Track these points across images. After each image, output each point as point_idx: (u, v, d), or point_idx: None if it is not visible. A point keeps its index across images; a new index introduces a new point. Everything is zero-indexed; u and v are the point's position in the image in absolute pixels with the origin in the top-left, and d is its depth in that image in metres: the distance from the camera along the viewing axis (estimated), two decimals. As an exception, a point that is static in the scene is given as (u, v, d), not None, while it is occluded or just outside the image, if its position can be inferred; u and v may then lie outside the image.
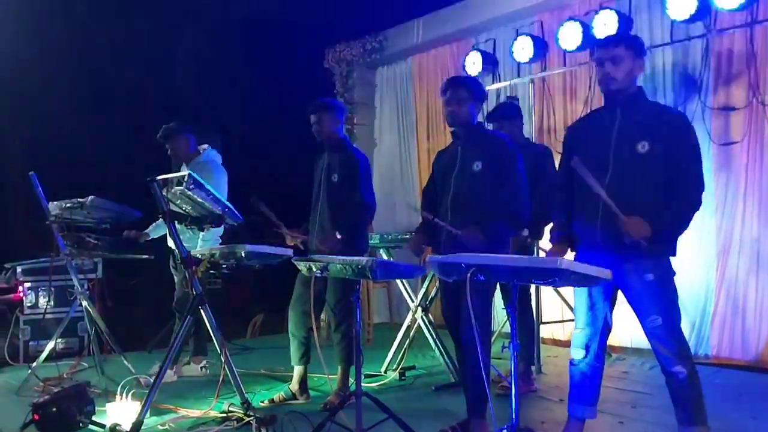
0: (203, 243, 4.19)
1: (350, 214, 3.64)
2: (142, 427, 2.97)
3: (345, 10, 7.08)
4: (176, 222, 3.24)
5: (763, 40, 4.45)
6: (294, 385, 3.80)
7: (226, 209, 3.30)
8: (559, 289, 4.81)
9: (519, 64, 5.55)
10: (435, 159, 3.37)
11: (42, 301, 5.23)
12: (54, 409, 3.16)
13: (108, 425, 3.11)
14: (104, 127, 6.96)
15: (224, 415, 3.35)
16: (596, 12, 4.81)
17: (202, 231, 3.55)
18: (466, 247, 2.83)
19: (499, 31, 5.98)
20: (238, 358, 4.92)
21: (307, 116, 3.80)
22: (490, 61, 5.74)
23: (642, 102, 2.71)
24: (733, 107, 4.57)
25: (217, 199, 3.24)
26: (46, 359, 4.23)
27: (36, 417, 3.14)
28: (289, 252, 3.35)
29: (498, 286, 3.56)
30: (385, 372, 4.48)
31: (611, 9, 4.74)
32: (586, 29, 4.83)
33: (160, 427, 3.32)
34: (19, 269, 5.29)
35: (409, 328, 4.55)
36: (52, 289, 5.14)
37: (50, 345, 4.27)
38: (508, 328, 2.43)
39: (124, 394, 3.25)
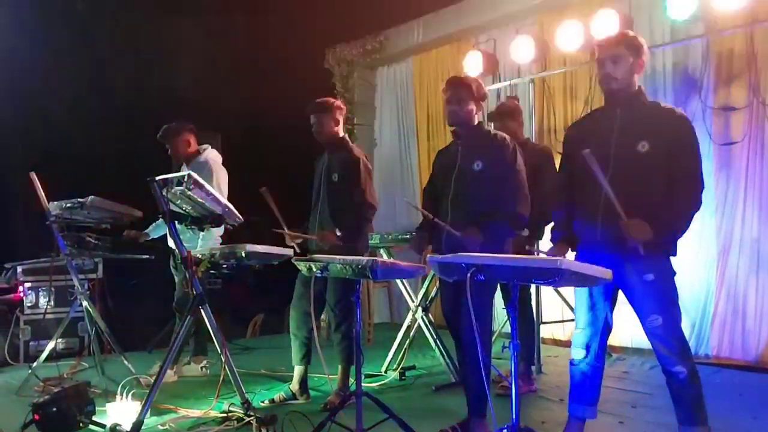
0: (203, 243, 4.19)
1: (351, 214, 3.64)
2: (143, 427, 2.97)
3: (345, 10, 7.08)
4: (176, 222, 3.24)
5: (764, 40, 4.45)
6: (294, 385, 3.80)
7: (226, 209, 3.30)
8: (559, 288, 4.81)
9: (519, 64, 5.55)
10: (435, 158, 3.38)
11: (42, 301, 5.23)
12: (54, 409, 3.16)
13: (108, 425, 3.11)
14: (104, 127, 6.96)
15: (224, 415, 3.36)
16: (596, 12, 4.81)
17: (202, 231, 3.55)
18: (466, 248, 2.83)
19: (500, 31, 5.98)
20: (238, 357, 4.92)
21: (306, 116, 3.80)
22: (490, 62, 5.74)
23: (642, 102, 2.71)
24: (733, 107, 4.57)
25: (217, 199, 3.24)
26: (47, 359, 4.23)
27: (36, 417, 3.14)
28: (289, 252, 3.35)
29: (498, 286, 3.55)
30: (386, 372, 4.48)
31: (611, 9, 4.73)
32: (586, 29, 4.83)
33: (161, 427, 3.32)
34: (19, 269, 5.29)
35: (409, 328, 4.55)
36: (53, 289, 5.14)
37: (50, 345, 4.27)
38: (508, 328, 2.43)
39: (124, 394, 3.25)
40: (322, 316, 4.95)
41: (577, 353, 2.77)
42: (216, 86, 7.47)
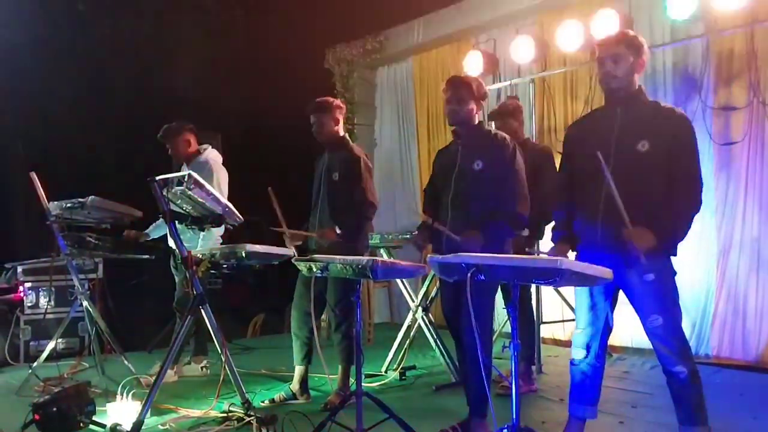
0: (204, 243, 4.19)
1: (352, 213, 3.64)
2: (143, 427, 2.97)
3: (345, 10, 7.08)
4: (177, 222, 3.24)
5: (764, 40, 4.44)
6: (295, 385, 3.80)
7: (227, 209, 3.30)
8: (559, 288, 4.81)
9: (519, 63, 5.55)
10: (435, 158, 3.38)
11: (42, 301, 5.23)
12: (54, 409, 3.16)
13: (108, 425, 3.11)
14: (104, 127, 6.96)
15: (225, 414, 3.36)
16: (596, 12, 4.81)
17: (203, 231, 3.55)
18: (467, 250, 2.82)
19: (500, 31, 5.97)
20: (238, 357, 4.92)
21: (306, 116, 3.80)
22: (490, 61, 5.74)
23: (642, 101, 2.71)
24: (733, 107, 4.57)
25: (217, 199, 3.24)
26: (47, 359, 4.23)
27: (36, 417, 3.14)
28: (290, 252, 3.35)
29: (498, 285, 3.55)
30: (386, 372, 4.48)
31: (611, 9, 4.73)
32: (586, 29, 4.83)
33: (161, 427, 3.32)
34: (19, 269, 5.29)
35: (409, 327, 4.55)
36: (53, 289, 5.14)
37: (51, 345, 4.27)
38: (508, 328, 2.43)
39: (124, 394, 3.25)
40: (323, 316, 4.95)
41: (578, 353, 2.77)
42: (216, 86, 7.47)
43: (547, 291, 4.74)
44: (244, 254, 3.22)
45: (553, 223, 2.97)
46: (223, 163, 4.51)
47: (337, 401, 3.40)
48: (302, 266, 2.95)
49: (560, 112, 5.60)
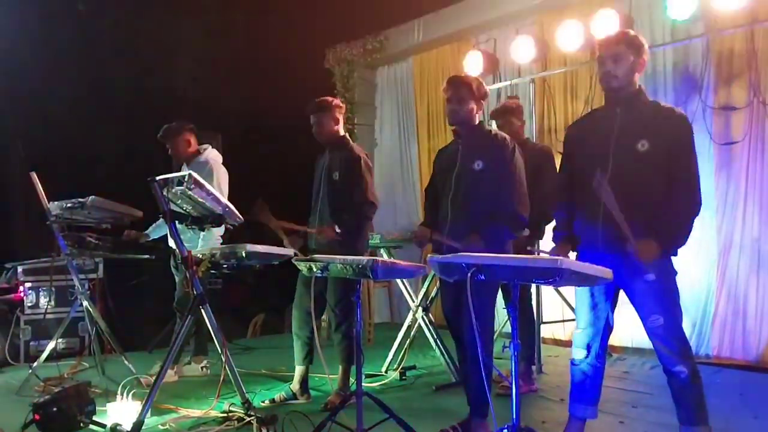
0: (204, 243, 4.19)
1: (352, 212, 3.64)
2: (143, 427, 2.97)
3: (345, 10, 7.08)
4: (177, 222, 3.24)
5: (764, 40, 4.45)
6: (295, 385, 3.80)
7: (227, 209, 3.30)
8: (559, 288, 4.81)
9: (519, 63, 5.55)
10: (435, 158, 3.38)
11: (43, 301, 5.23)
12: (55, 409, 3.16)
13: (109, 425, 3.11)
14: (105, 126, 6.96)
15: (225, 414, 3.35)
16: (596, 12, 4.81)
17: (203, 231, 3.55)
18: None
19: (500, 31, 5.98)
20: (238, 357, 4.92)
21: (306, 116, 3.80)
22: (490, 61, 5.74)
23: (642, 101, 2.71)
24: (733, 107, 4.57)
25: (217, 199, 3.24)
26: (47, 359, 4.23)
27: (37, 417, 3.14)
28: (290, 252, 3.35)
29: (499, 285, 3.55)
30: (386, 372, 4.48)
31: (611, 9, 4.73)
32: (587, 29, 4.83)
33: (161, 427, 3.32)
34: (19, 269, 5.29)
35: (409, 327, 4.55)
36: (53, 289, 5.14)
37: (51, 345, 4.27)
38: (508, 328, 2.43)
39: (124, 394, 3.25)
40: (323, 316, 4.95)
41: (578, 353, 2.77)
42: (216, 86, 7.47)
43: (547, 291, 4.74)
44: (244, 254, 3.21)
45: (553, 223, 2.97)
46: (223, 163, 4.51)
47: (338, 401, 3.40)
48: (302, 266, 2.95)
49: (560, 112, 5.60)
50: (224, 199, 3.37)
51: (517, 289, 2.31)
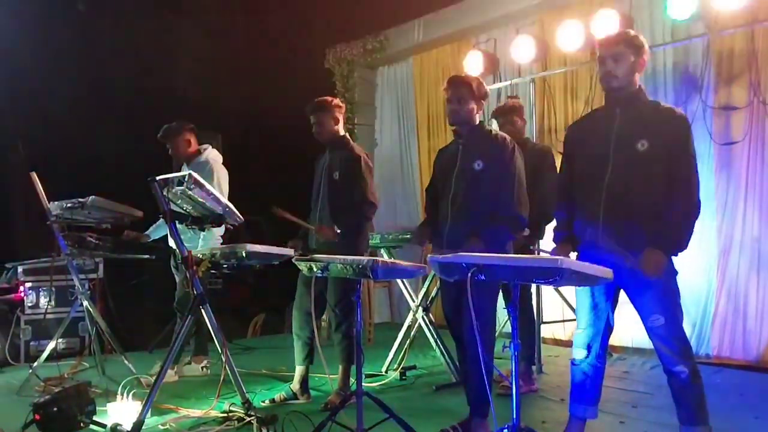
0: (204, 243, 4.19)
1: (351, 212, 3.64)
2: (143, 427, 2.97)
3: (345, 10, 7.08)
4: (177, 222, 3.24)
5: (764, 40, 4.45)
6: (295, 385, 3.80)
7: (227, 209, 3.30)
8: (559, 288, 4.81)
9: (520, 63, 5.55)
10: (436, 158, 3.38)
11: (43, 301, 5.23)
12: (55, 409, 3.16)
13: (109, 425, 3.11)
14: (105, 126, 6.96)
15: (225, 414, 3.35)
16: (596, 12, 4.81)
17: (203, 231, 3.55)
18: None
19: (500, 31, 5.98)
20: (239, 357, 4.92)
21: (307, 116, 3.80)
22: (490, 61, 5.74)
23: (642, 101, 2.70)
24: (734, 107, 4.57)
25: (217, 199, 3.24)
26: (47, 359, 4.23)
27: (37, 417, 3.14)
28: (290, 252, 3.35)
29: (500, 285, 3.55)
30: (386, 372, 4.48)
31: (611, 9, 4.73)
32: (587, 29, 4.82)
33: (161, 427, 3.32)
34: (20, 269, 5.29)
35: (409, 327, 4.55)
36: (53, 289, 5.14)
37: (51, 345, 4.27)
38: (508, 328, 2.43)
39: (125, 394, 3.25)
40: (323, 316, 4.95)
41: (579, 353, 2.77)
42: (216, 86, 7.48)
43: (547, 291, 4.74)
44: (244, 254, 3.21)
45: (554, 223, 2.97)
46: (223, 163, 4.51)
47: (338, 401, 3.40)
48: (303, 266, 2.95)
49: (560, 111, 5.60)
50: (224, 199, 3.37)
51: (517, 289, 2.31)
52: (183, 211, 3.31)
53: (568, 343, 4.92)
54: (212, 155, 4.49)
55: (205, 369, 4.51)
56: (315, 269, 2.85)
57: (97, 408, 3.35)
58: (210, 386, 3.96)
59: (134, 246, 4.42)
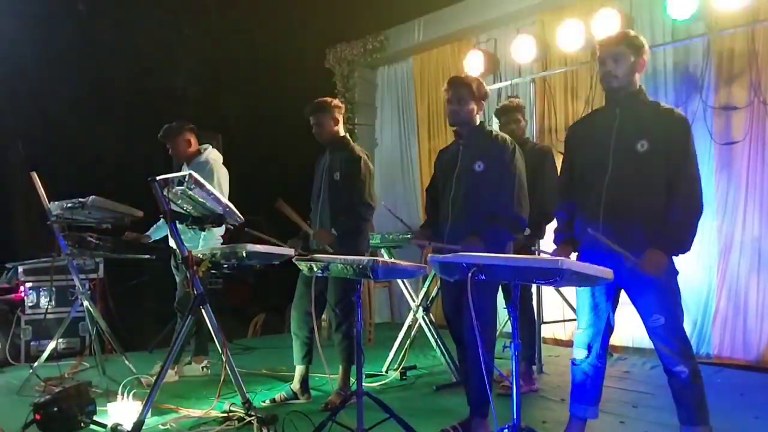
0: (204, 243, 4.19)
1: (349, 213, 3.64)
2: (144, 427, 2.97)
3: (346, 9, 7.08)
4: (177, 222, 3.24)
5: (765, 40, 4.45)
6: (295, 385, 3.80)
7: (227, 209, 3.30)
8: (560, 288, 4.81)
9: (520, 63, 5.55)
10: (436, 158, 3.38)
11: (43, 301, 5.23)
12: (55, 409, 3.16)
13: (109, 425, 3.11)
14: (105, 126, 6.97)
15: (225, 414, 3.35)
16: (597, 12, 4.81)
17: (203, 231, 3.55)
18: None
19: (500, 31, 5.97)
20: (239, 357, 4.92)
21: (307, 117, 3.80)
22: (491, 61, 5.74)
23: (642, 101, 2.70)
24: (734, 106, 4.57)
25: (218, 198, 3.24)
26: (48, 359, 4.23)
27: (37, 417, 3.14)
28: (290, 252, 3.35)
29: (499, 285, 3.55)
30: (387, 372, 4.48)
31: (612, 8, 4.73)
32: (587, 29, 4.82)
33: (162, 427, 3.32)
34: (20, 269, 5.29)
35: (410, 327, 4.55)
36: (54, 289, 5.14)
37: (51, 345, 4.27)
38: (509, 328, 2.43)
39: (125, 394, 3.25)
40: (323, 316, 4.95)
41: (579, 353, 2.77)
42: (216, 86, 7.48)
43: (548, 291, 4.74)
44: (244, 254, 3.21)
45: (554, 223, 2.97)
46: (224, 163, 4.51)
47: (338, 401, 3.40)
48: (303, 266, 2.95)
49: (561, 111, 5.60)
50: (225, 199, 3.37)
51: (517, 289, 2.31)
52: (183, 211, 3.31)
53: (569, 343, 4.92)
54: (212, 155, 4.49)
55: (205, 369, 4.51)
56: (315, 269, 2.85)
57: (98, 408, 3.34)
58: (210, 386, 3.95)
59: (134, 246, 4.42)
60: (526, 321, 4.00)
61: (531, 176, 3.24)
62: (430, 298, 4.49)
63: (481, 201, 3.02)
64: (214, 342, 3.42)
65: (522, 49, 5.31)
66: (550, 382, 4.15)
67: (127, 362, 4.18)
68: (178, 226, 3.27)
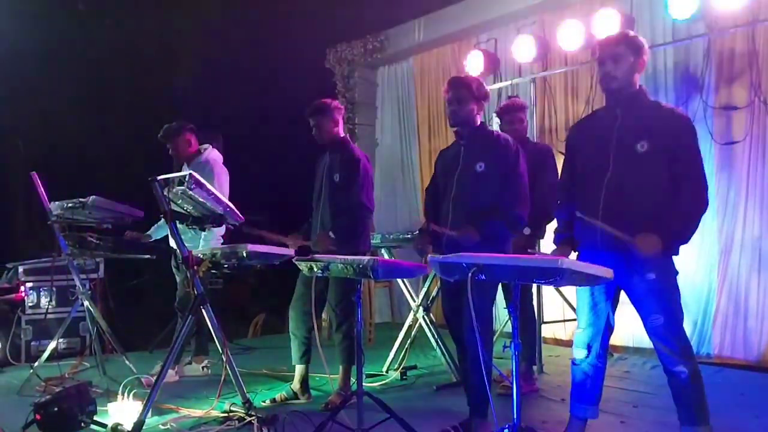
0: (205, 243, 4.19)
1: (346, 214, 3.63)
2: (144, 427, 2.98)
3: (346, 9, 7.08)
4: (178, 222, 3.24)
5: (765, 40, 4.44)
6: (295, 385, 3.80)
7: (228, 209, 3.30)
8: (560, 288, 4.81)
9: (520, 63, 5.55)
10: (437, 158, 3.38)
11: (44, 301, 5.23)
12: (56, 409, 3.15)
13: (110, 425, 3.11)
14: (105, 127, 6.98)
15: (226, 414, 3.35)
16: (597, 11, 4.81)
17: (204, 231, 3.55)
18: (464, 246, 2.83)
19: (501, 31, 5.97)
20: (239, 357, 4.92)
21: (306, 118, 3.80)
22: (491, 61, 5.74)
23: (642, 101, 2.70)
24: (734, 106, 4.57)
25: (218, 198, 3.24)
26: (48, 359, 4.23)
27: (38, 417, 3.14)
28: (291, 252, 3.35)
29: (499, 285, 3.55)
30: (387, 372, 4.48)
31: (612, 8, 4.73)
32: (587, 29, 4.83)
33: (162, 427, 3.31)
34: (20, 269, 5.29)
35: (410, 327, 4.55)
36: (54, 289, 5.14)
37: (52, 345, 4.27)
38: (509, 328, 2.43)
39: (125, 394, 3.25)
40: (323, 316, 4.95)
41: (579, 353, 2.77)
42: (216, 86, 7.48)
43: (548, 290, 4.74)
44: (245, 254, 3.21)
45: (554, 223, 2.97)
46: (224, 163, 4.51)
47: (338, 401, 3.40)
48: (303, 266, 2.95)
49: (561, 111, 5.60)
50: (225, 199, 3.37)
51: (518, 289, 2.31)
52: (184, 211, 3.31)
53: (569, 343, 4.91)
54: (213, 155, 4.49)
55: (205, 369, 4.51)
56: (315, 269, 2.85)
57: (98, 408, 3.34)
58: (210, 386, 3.95)
59: (135, 246, 4.42)
60: (527, 321, 3.99)
61: (531, 176, 3.24)
62: (430, 298, 4.49)
63: (481, 201, 3.02)
64: (215, 342, 3.42)
65: (522, 49, 5.31)
66: (550, 382, 4.15)
67: (127, 362, 4.18)
68: (179, 226, 3.27)
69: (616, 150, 2.64)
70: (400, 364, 4.48)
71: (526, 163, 3.15)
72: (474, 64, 5.66)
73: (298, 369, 3.80)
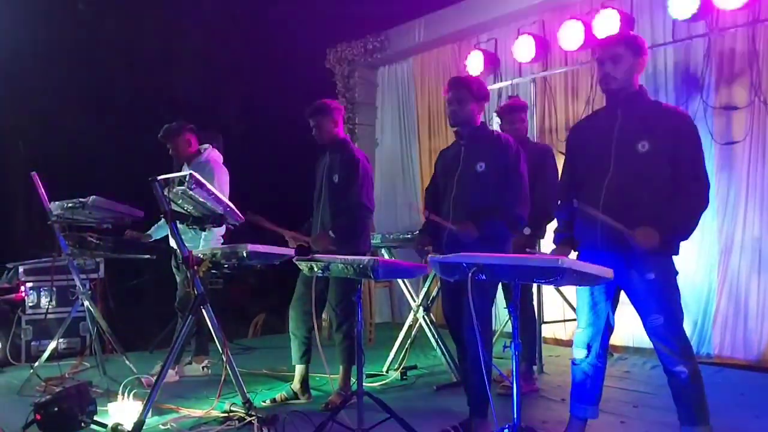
0: (205, 243, 4.19)
1: (345, 214, 3.63)
2: (144, 427, 2.98)
3: (346, 9, 7.09)
4: (178, 222, 3.24)
5: (765, 39, 4.44)
6: (296, 385, 3.80)
7: (228, 209, 3.30)
8: (560, 288, 4.81)
9: (520, 63, 5.55)
10: (437, 158, 3.38)
11: (44, 301, 5.22)
12: (56, 409, 3.15)
13: (110, 425, 3.11)
14: (106, 127, 6.98)
15: (226, 414, 3.35)
16: (597, 11, 4.81)
17: (204, 231, 3.55)
18: (463, 243, 2.83)
19: (501, 31, 5.97)
20: (239, 357, 4.92)
21: (306, 119, 3.80)
22: (491, 61, 5.74)
23: (643, 101, 2.70)
24: (735, 106, 4.57)
25: (218, 198, 3.24)
26: (48, 359, 4.23)
27: (38, 417, 3.14)
28: (291, 252, 3.35)
29: (500, 285, 3.55)
30: (387, 372, 4.48)
31: (613, 8, 4.73)
32: (588, 29, 4.83)
33: (162, 427, 3.31)
34: (21, 269, 5.29)
35: (410, 327, 4.55)
36: (54, 289, 5.14)
37: (52, 345, 4.27)
38: (509, 328, 2.43)
39: (125, 394, 3.25)
40: (323, 316, 4.95)
41: (579, 353, 2.77)
42: (216, 86, 7.49)
43: (548, 290, 4.74)
44: (245, 254, 3.21)
45: (554, 223, 2.97)
46: (224, 163, 4.51)
47: (339, 401, 3.40)
48: (303, 266, 2.95)
49: (561, 111, 5.60)
50: (225, 199, 3.37)
51: (518, 289, 2.31)
52: (184, 211, 3.31)
53: (569, 343, 4.91)
54: (213, 155, 4.49)
55: (205, 369, 4.51)
56: (316, 269, 2.85)
57: (98, 408, 3.34)
58: (211, 386, 3.95)
59: (135, 246, 4.42)
60: (527, 320, 3.99)
61: (531, 176, 3.24)
62: (430, 298, 4.49)
63: (482, 201, 3.02)
64: (215, 342, 3.42)
65: (522, 49, 5.31)
66: (550, 381, 4.15)
67: (127, 362, 4.18)
68: (179, 226, 3.27)
69: (617, 150, 2.64)
70: (400, 364, 4.48)
71: (526, 163, 3.15)
72: (474, 64, 5.66)
73: (298, 369, 3.80)
